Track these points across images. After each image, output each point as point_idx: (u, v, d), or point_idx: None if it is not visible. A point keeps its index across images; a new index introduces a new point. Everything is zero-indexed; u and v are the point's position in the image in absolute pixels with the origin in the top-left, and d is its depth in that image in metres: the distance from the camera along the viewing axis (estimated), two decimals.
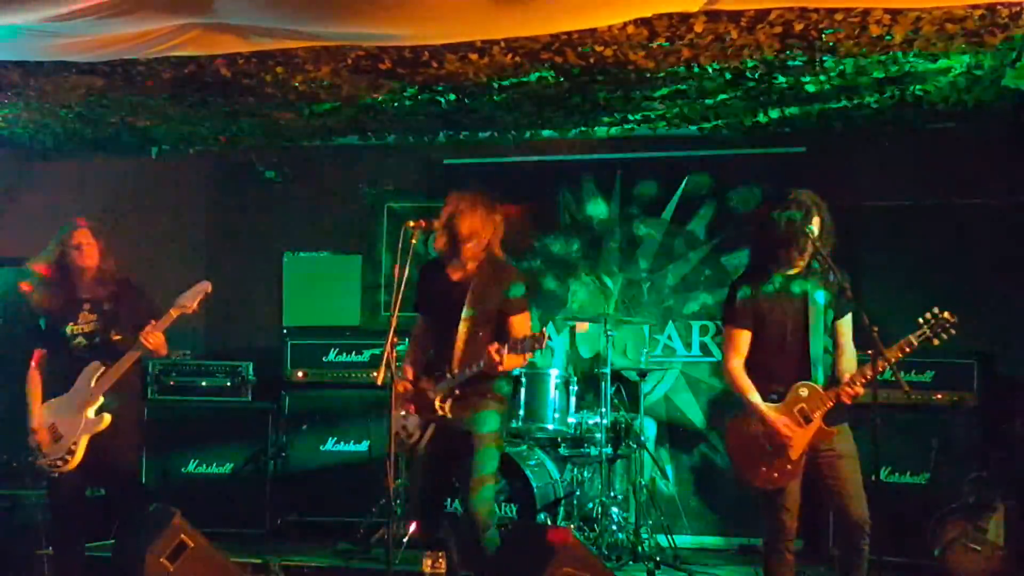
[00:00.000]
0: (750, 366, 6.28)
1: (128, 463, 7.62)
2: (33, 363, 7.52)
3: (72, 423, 7.26)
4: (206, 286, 7.33)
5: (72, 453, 7.24)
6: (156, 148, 10.86)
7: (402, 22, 6.53)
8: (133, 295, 7.52)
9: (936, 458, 8.52)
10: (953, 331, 5.90)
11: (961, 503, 8.01)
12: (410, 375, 6.58)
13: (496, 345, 6.16)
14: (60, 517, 7.36)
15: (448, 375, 6.41)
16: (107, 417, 7.23)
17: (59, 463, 7.24)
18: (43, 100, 9.16)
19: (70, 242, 7.41)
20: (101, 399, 7.25)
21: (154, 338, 7.19)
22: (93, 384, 7.25)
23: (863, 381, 5.98)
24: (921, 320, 5.92)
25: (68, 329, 7.42)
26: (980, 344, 8.62)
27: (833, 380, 6.11)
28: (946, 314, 5.88)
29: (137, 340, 7.19)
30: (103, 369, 7.27)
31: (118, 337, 7.36)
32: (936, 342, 5.92)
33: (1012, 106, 8.65)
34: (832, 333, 6.22)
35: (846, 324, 6.24)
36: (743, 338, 6.30)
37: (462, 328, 6.45)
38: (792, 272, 6.22)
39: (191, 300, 7.28)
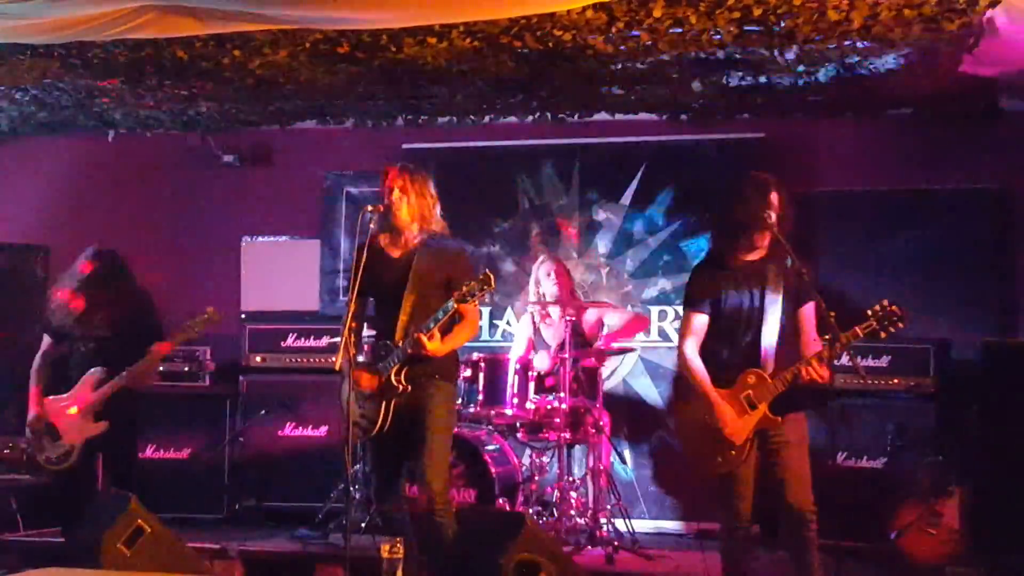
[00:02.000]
0: (704, 351, 6.30)
1: (132, 466, 7.77)
2: (41, 352, 7.75)
3: (71, 426, 7.49)
4: (214, 315, 7.71)
5: (69, 455, 7.48)
6: (113, 131, 10.79)
7: (360, 5, 6.50)
8: (144, 313, 7.75)
9: (892, 443, 8.57)
10: (901, 324, 5.89)
11: (917, 487, 8.05)
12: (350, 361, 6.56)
13: (419, 335, 6.25)
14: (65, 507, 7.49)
15: (395, 348, 6.41)
16: (105, 424, 7.46)
17: (56, 462, 7.49)
18: None
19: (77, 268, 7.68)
20: (101, 407, 7.46)
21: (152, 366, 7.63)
22: (94, 391, 7.46)
23: (817, 365, 5.99)
24: (869, 312, 5.93)
25: (79, 331, 7.62)
26: (936, 330, 8.67)
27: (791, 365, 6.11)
28: (894, 307, 5.89)
29: (137, 361, 7.47)
30: (104, 377, 7.47)
31: (123, 348, 7.54)
32: (884, 335, 5.93)
33: (969, 92, 8.69)
34: (794, 320, 6.22)
35: (808, 311, 6.24)
36: (699, 322, 6.33)
37: (406, 303, 6.45)
38: (752, 258, 6.23)
39: (198, 327, 7.64)
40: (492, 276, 6.19)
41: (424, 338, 6.24)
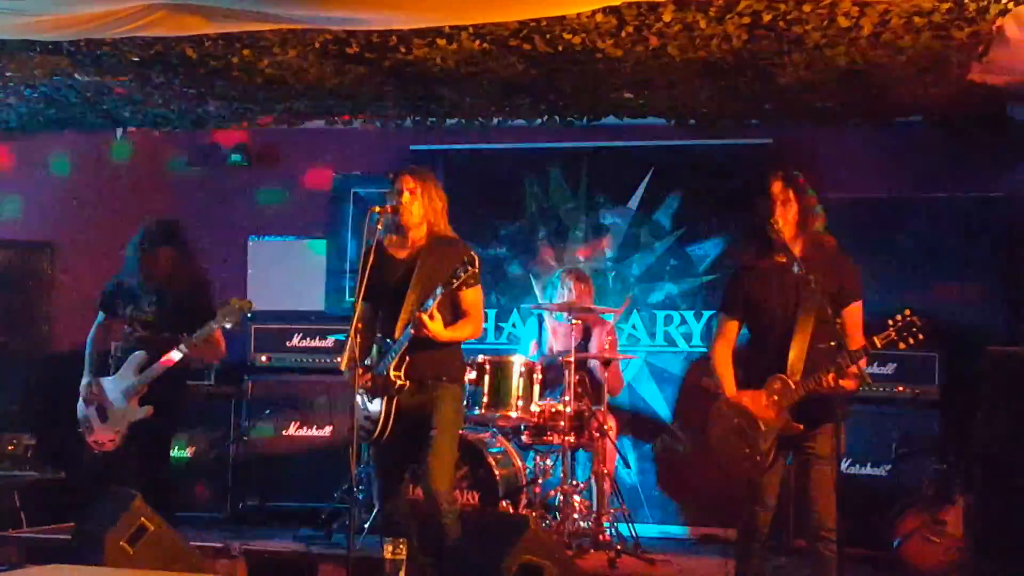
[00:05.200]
0: (736, 354, 6.30)
1: (162, 456, 8.00)
2: (94, 327, 8.00)
3: (118, 409, 7.68)
4: (249, 305, 7.78)
5: (115, 440, 7.68)
6: (121, 129, 10.80)
7: (370, 6, 6.50)
8: (197, 298, 7.93)
9: (897, 451, 8.56)
10: (921, 335, 5.82)
11: (921, 495, 8.05)
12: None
13: (420, 314, 6.28)
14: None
15: (392, 344, 6.45)
16: (150, 408, 7.63)
17: (103, 443, 7.69)
18: (7, 79, 9.10)
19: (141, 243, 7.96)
20: (146, 390, 7.63)
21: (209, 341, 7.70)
22: (138, 375, 7.63)
23: (838, 375, 5.92)
24: (890, 322, 5.86)
25: (128, 310, 7.84)
26: (942, 338, 8.65)
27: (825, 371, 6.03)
28: (915, 318, 5.81)
29: (181, 343, 7.60)
30: (147, 361, 7.63)
31: (167, 334, 7.71)
32: (902, 345, 5.85)
33: (978, 101, 8.69)
34: (835, 323, 5.97)
35: (852, 313, 6.18)
36: (730, 326, 6.38)
37: (408, 302, 6.48)
38: (784, 260, 6.18)
39: (233, 318, 7.69)
40: (476, 257, 6.27)
41: (424, 317, 6.26)
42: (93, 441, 7.73)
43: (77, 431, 7.86)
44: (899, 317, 5.84)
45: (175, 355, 7.59)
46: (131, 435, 7.66)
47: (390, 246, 6.66)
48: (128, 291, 7.89)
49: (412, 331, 6.33)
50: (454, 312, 6.51)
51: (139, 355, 7.65)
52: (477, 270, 6.28)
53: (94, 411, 7.74)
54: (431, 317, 6.30)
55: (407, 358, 6.44)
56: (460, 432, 8.15)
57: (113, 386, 7.71)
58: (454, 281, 6.25)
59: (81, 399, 7.80)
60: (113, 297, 7.97)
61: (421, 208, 6.57)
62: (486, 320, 8.61)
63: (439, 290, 6.29)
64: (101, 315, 8.03)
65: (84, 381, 7.82)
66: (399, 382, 6.42)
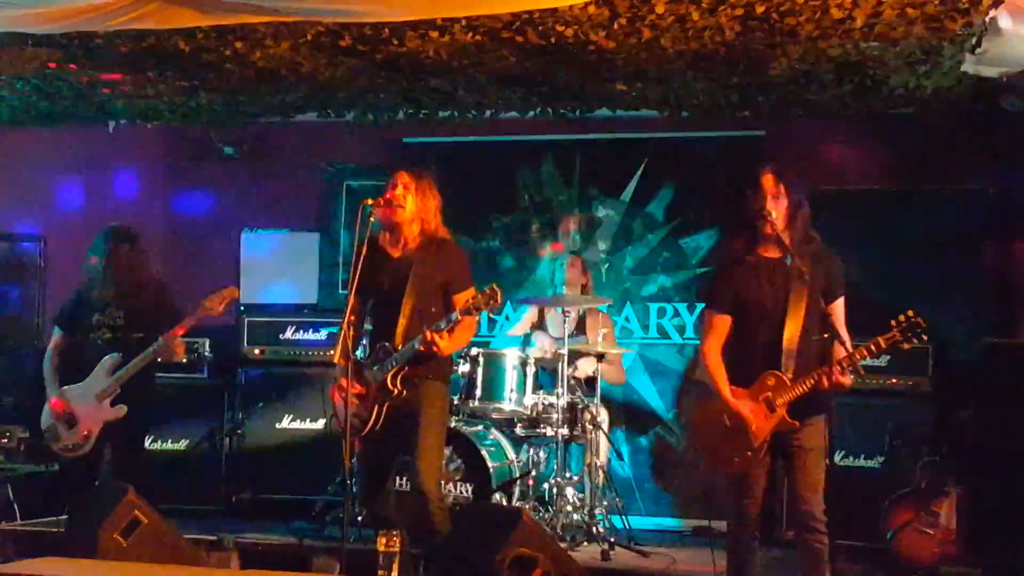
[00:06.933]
0: (727, 351, 6.27)
1: (139, 452, 8.04)
2: (52, 344, 7.99)
3: (89, 412, 7.66)
4: (234, 292, 7.81)
5: (87, 441, 7.67)
6: (113, 122, 10.78)
7: None
8: (160, 300, 7.95)
9: (890, 442, 8.57)
10: (924, 336, 5.81)
11: (914, 487, 8.05)
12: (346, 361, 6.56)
13: (432, 334, 6.27)
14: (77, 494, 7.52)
15: (393, 351, 6.43)
16: (124, 408, 7.63)
17: (73, 449, 7.69)
18: None
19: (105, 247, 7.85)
20: (119, 391, 7.62)
21: (174, 341, 7.63)
22: (111, 377, 7.61)
23: (838, 372, 5.91)
24: (893, 323, 5.83)
25: (94, 318, 7.79)
26: (935, 330, 8.64)
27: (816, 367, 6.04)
28: (919, 319, 5.77)
29: (157, 339, 7.58)
30: (121, 362, 7.63)
31: (140, 335, 7.71)
32: (907, 346, 5.84)
33: (971, 92, 8.69)
34: (824, 317, 6.00)
35: (839, 308, 6.15)
36: (721, 322, 6.27)
37: (406, 306, 6.47)
38: (772, 255, 6.17)
39: (217, 303, 7.70)
40: (499, 292, 6.21)
41: (438, 337, 6.27)
42: (61, 448, 7.76)
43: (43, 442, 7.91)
44: (902, 317, 5.81)
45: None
46: (103, 435, 7.68)
47: (385, 243, 6.65)
48: (93, 299, 7.85)
49: (420, 347, 6.34)
50: (447, 311, 6.49)
51: (113, 357, 7.66)
52: (500, 303, 6.29)
53: (62, 420, 7.74)
54: (442, 337, 6.31)
55: (405, 367, 6.45)
56: (453, 425, 8.21)
57: (83, 391, 7.70)
58: (473, 311, 6.26)
59: (47, 422, 7.80)
60: (75, 312, 7.95)
61: (414, 204, 6.55)
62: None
63: (455, 316, 6.29)
64: (58, 332, 8.01)
65: (49, 410, 7.80)
66: (396, 391, 6.43)
